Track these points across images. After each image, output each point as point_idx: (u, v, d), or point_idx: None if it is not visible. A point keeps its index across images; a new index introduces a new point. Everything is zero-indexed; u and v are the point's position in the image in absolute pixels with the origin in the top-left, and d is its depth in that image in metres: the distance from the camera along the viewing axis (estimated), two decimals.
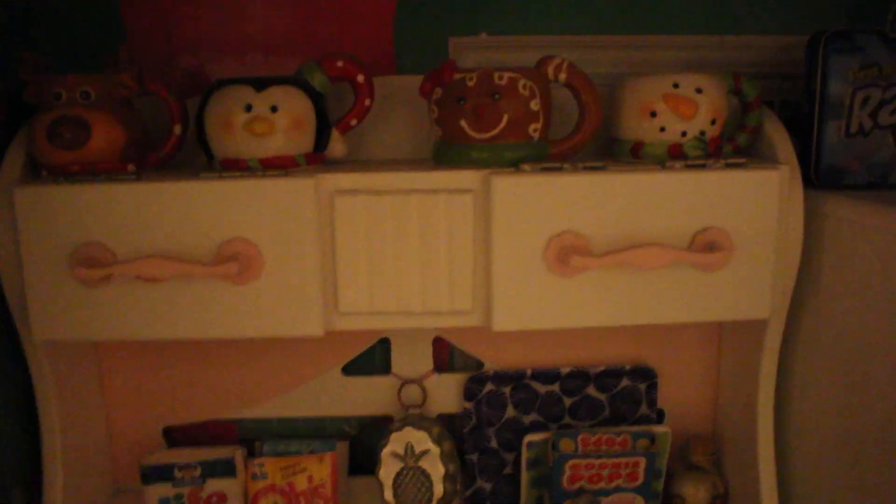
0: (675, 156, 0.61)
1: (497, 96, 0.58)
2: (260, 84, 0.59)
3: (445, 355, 0.74)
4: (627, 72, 0.66)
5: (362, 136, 0.69)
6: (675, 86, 0.59)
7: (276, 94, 0.58)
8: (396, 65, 0.70)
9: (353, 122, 0.63)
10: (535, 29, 0.71)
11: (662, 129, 0.60)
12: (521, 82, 0.58)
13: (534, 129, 0.60)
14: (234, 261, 0.56)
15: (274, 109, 0.57)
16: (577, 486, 0.68)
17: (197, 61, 0.71)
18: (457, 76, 0.59)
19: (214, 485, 0.68)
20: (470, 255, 0.58)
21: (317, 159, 0.61)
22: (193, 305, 0.58)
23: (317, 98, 0.60)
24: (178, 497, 0.67)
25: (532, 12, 0.71)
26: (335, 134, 0.62)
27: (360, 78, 0.61)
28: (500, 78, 0.58)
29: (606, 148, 0.67)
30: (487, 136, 0.58)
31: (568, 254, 0.56)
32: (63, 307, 0.58)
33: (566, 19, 0.71)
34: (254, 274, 0.57)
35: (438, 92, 0.60)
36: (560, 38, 0.71)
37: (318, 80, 0.61)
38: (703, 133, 0.60)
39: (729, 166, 0.59)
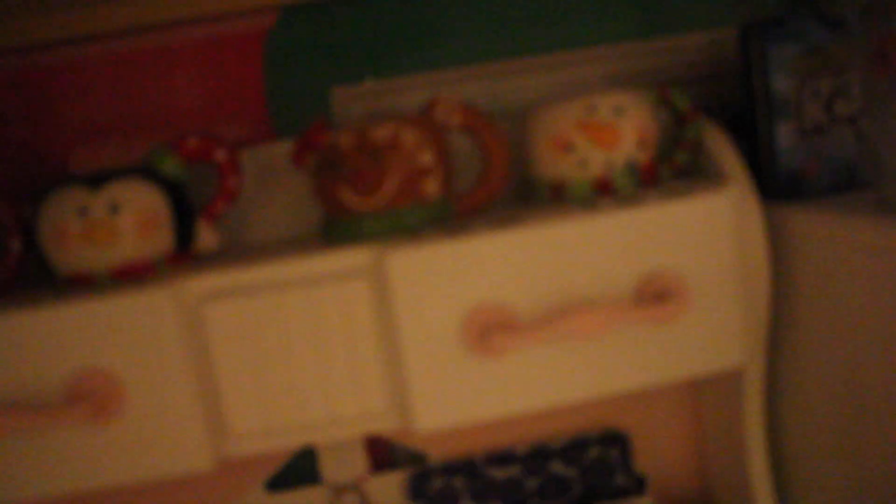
0: (603, 192, 0.51)
1: (377, 155, 0.49)
2: (95, 181, 0.48)
3: (382, 451, 0.63)
4: (543, 99, 0.58)
5: (242, 217, 0.59)
6: (590, 110, 0.50)
7: (116, 191, 0.48)
8: (275, 129, 0.59)
9: (222, 206, 0.52)
10: (430, 63, 0.60)
11: (583, 164, 0.50)
12: (405, 134, 0.49)
13: (430, 186, 0.50)
14: (86, 401, 0.46)
15: (114, 210, 0.47)
16: None
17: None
18: (329, 138, 0.49)
19: None
20: (373, 347, 0.48)
21: (183, 258, 0.51)
22: (45, 458, 0.48)
23: (171, 187, 0.50)
24: None
25: (425, 46, 0.60)
26: (202, 224, 0.52)
27: (220, 155, 0.51)
28: (379, 132, 0.49)
29: (523, 193, 0.57)
30: (373, 203, 0.49)
31: (489, 331, 0.48)
32: None
33: (467, 48, 0.60)
34: (115, 410, 0.46)
35: (313, 159, 0.51)
36: (461, 71, 0.60)
37: (170, 166, 0.50)
38: (630, 161, 0.50)
39: (666, 195, 0.49)
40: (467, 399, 0.48)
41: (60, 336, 0.46)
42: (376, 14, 0.59)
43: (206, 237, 0.52)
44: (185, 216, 0.51)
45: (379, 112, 0.59)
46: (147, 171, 0.50)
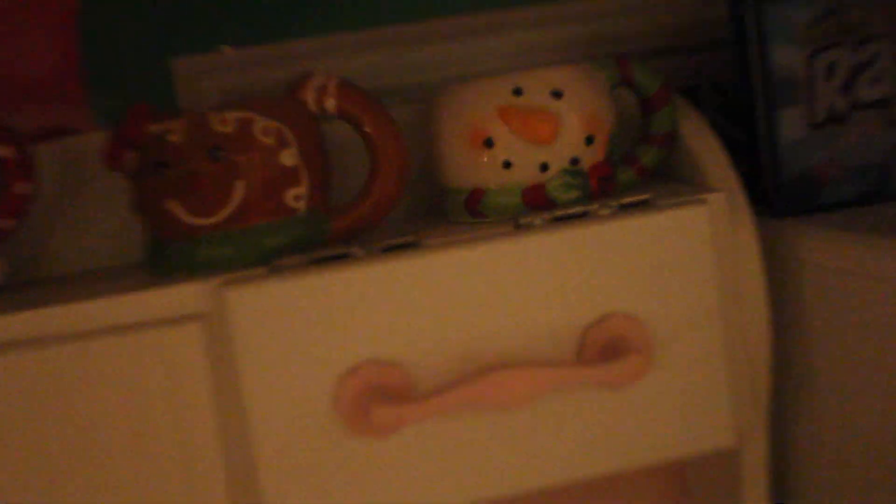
0: (535, 205, 0.43)
1: (220, 153, 0.40)
2: None
3: None
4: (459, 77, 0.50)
5: (38, 238, 0.50)
6: (517, 92, 0.42)
7: None
8: (94, 115, 0.51)
9: (8, 223, 0.43)
10: (311, 26, 0.53)
11: (508, 165, 0.43)
12: (260, 124, 0.40)
13: (295, 196, 0.41)
14: None
15: None
16: None
17: None
18: (153, 129, 0.41)
19: None
20: (210, 420, 0.39)
21: None
22: None
23: None
24: None
25: (304, 1, 0.54)
26: None
27: (7, 153, 0.42)
28: (223, 122, 0.40)
29: (435, 202, 0.50)
30: (214, 220, 0.40)
31: (372, 400, 0.40)
32: None
33: (359, 5, 0.53)
34: None
35: (132, 158, 0.42)
36: (345, 38, 0.53)
37: None
38: (575, 161, 0.43)
39: (624, 209, 0.42)
40: (343, 496, 0.40)
41: None
42: None
43: None
44: None
45: (239, 93, 0.51)
46: None
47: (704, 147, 0.47)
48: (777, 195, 0.48)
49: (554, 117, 0.42)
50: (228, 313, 0.39)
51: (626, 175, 0.47)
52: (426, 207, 0.52)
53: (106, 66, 0.52)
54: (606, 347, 0.41)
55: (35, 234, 0.50)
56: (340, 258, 0.41)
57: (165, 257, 0.42)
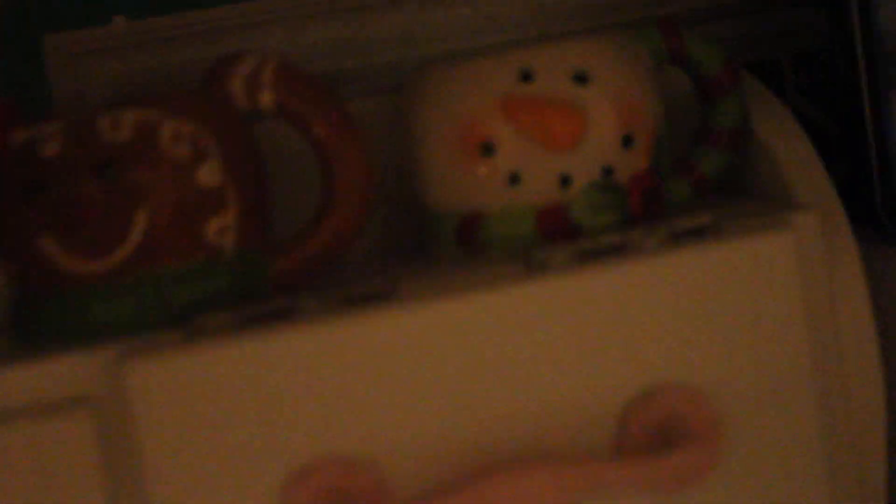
0: (554, 234, 0.43)
1: (113, 170, 0.40)
2: None
3: None
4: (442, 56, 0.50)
5: None
6: (526, 76, 0.41)
7: None
8: None
9: None
10: None
11: (515, 180, 0.41)
12: (169, 128, 0.40)
13: (218, 229, 0.40)
14: None
15: None
16: None
17: None
18: (19, 137, 0.40)
19: None
20: None
21: None
22: None
23: None
24: None
25: None
26: None
27: None
28: (116, 126, 0.39)
29: (414, 230, 0.50)
30: (107, 264, 0.39)
31: None
32: None
33: None
34: None
35: None
36: (284, 4, 0.52)
37: None
38: (608, 171, 0.42)
39: (678, 238, 0.41)
40: None
41: None
42: None
43: None
44: None
45: (138, 83, 0.51)
46: None
47: (789, 147, 0.46)
48: (891, 213, 0.49)
49: (578, 111, 0.41)
50: (129, 395, 0.37)
51: (680, 189, 0.45)
52: (402, 237, 0.51)
53: None
54: (657, 432, 0.40)
55: None
56: (284, 315, 0.40)
57: (39, 317, 0.41)
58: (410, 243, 0.51)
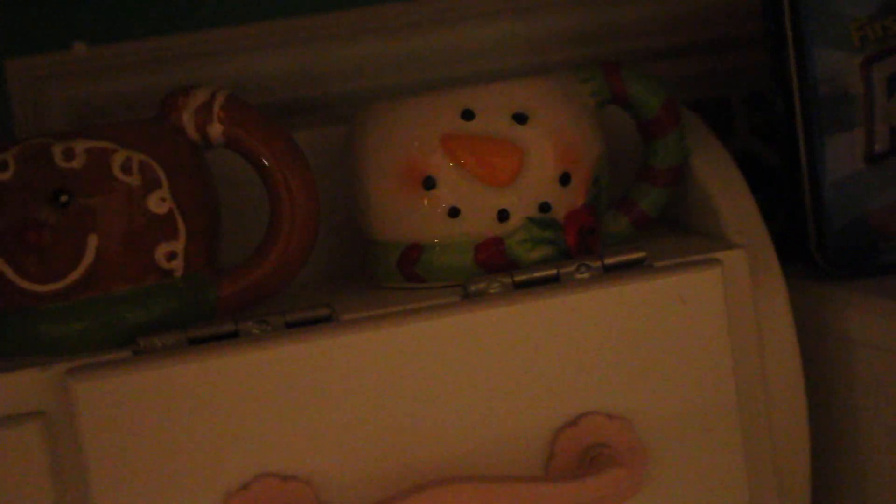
0: (491, 266, 0.43)
1: (66, 197, 0.40)
2: None
3: None
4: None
5: None
6: (467, 115, 0.42)
7: None
8: None
9: None
10: (192, 18, 0.54)
11: (455, 213, 0.42)
12: (120, 157, 0.39)
13: (167, 254, 0.40)
14: None
15: None
16: None
17: None
18: None
19: None
20: None
21: None
22: None
23: None
24: None
25: None
26: None
27: None
28: (70, 154, 0.39)
29: (357, 258, 0.50)
30: (59, 287, 0.40)
31: None
32: None
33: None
34: None
35: None
36: (237, 33, 0.54)
37: None
38: (545, 207, 0.42)
39: (610, 271, 0.41)
40: None
41: None
42: None
43: None
44: None
45: (96, 109, 0.52)
46: None
47: (724, 186, 0.46)
48: (822, 251, 0.49)
49: (516, 149, 0.41)
50: (77, 411, 0.38)
51: (619, 225, 0.46)
52: (344, 266, 0.52)
53: None
54: (583, 457, 0.40)
55: None
56: (229, 337, 0.40)
57: None
58: (352, 269, 0.51)
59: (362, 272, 0.49)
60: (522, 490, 0.39)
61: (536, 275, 0.41)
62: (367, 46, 0.54)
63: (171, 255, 0.40)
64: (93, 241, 0.39)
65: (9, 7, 0.52)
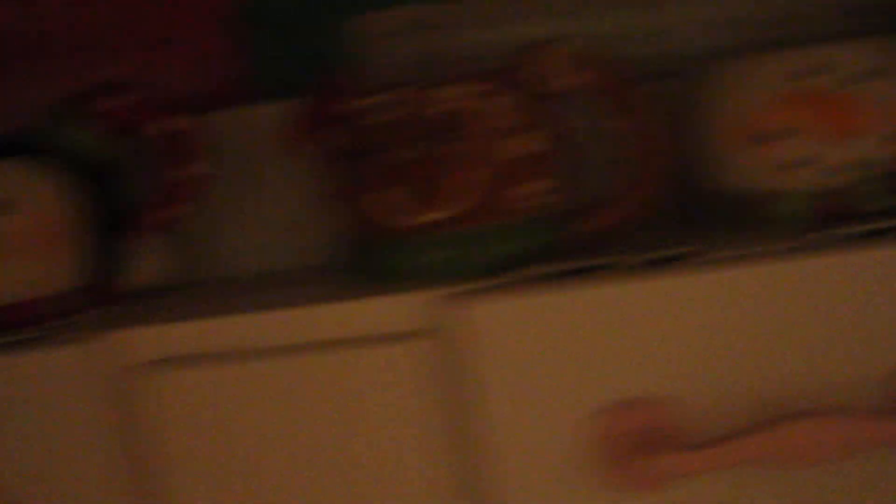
0: (831, 214, 0.47)
1: (441, 137, 0.45)
2: None
3: None
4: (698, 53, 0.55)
5: (204, 231, 0.59)
6: (814, 73, 0.45)
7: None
8: (253, 86, 0.60)
9: (174, 211, 0.51)
10: None
11: (798, 165, 0.46)
12: (491, 103, 0.45)
13: (535, 192, 0.45)
14: None
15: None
16: None
17: None
18: (357, 105, 0.45)
19: None
20: (428, 462, 0.44)
21: (103, 295, 0.51)
22: None
23: (83, 175, 0.50)
24: None
25: None
26: (138, 240, 0.52)
27: (174, 123, 0.50)
28: (442, 99, 0.45)
29: (681, 211, 0.56)
30: (438, 218, 0.45)
31: (637, 447, 0.42)
32: None
33: None
34: None
35: (328, 139, 0.47)
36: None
37: (83, 139, 0.51)
38: (875, 163, 0.46)
39: None
40: None
41: None
42: None
43: (147, 261, 0.54)
44: (107, 225, 0.52)
45: (428, 63, 0.57)
46: (44, 146, 0.49)
47: None
48: None
49: (859, 106, 0.45)
50: (460, 334, 0.42)
51: None
52: (676, 212, 0.56)
53: (263, 18, 0.58)
54: None
55: (201, 225, 0.58)
56: (599, 271, 0.44)
57: (373, 260, 0.46)
58: (688, 218, 0.56)
59: (689, 218, 0.54)
60: (882, 426, 0.42)
61: (881, 224, 0.44)
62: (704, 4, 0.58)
63: (542, 193, 0.45)
64: (471, 178, 0.44)
65: None
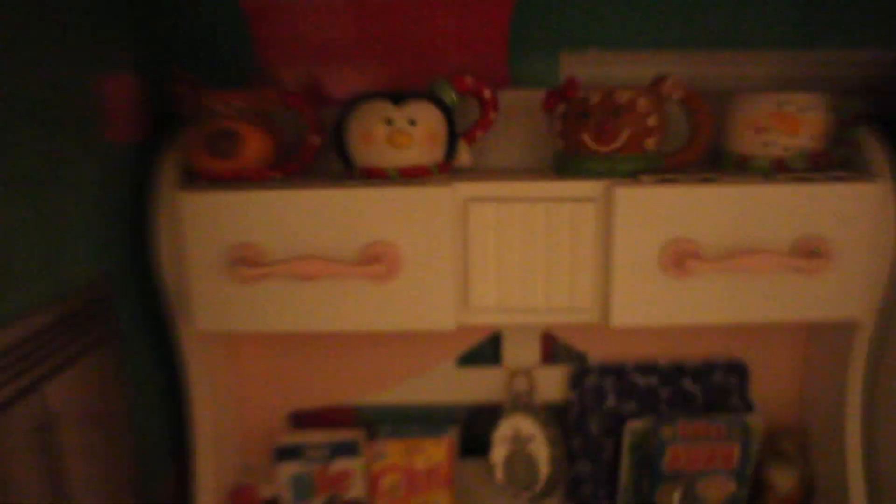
0: (777, 169, 0.86)
1: (618, 112, 0.84)
2: (398, 99, 0.85)
3: (550, 347, 1.06)
4: (728, 88, 0.95)
5: (483, 146, 0.98)
6: (780, 105, 0.86)
7: (414, 108, 0.85)
8: (510, 79, 0.99)
9: (479, 133, 0.90)
10: (637, 43, 0.98)
11: (767, 145, 0.87)
12: (641, 100, 0.84)
13: (650, 143, 0.85)
14: (380, 262, 0.83)
15: (412, 123, 0.84)
16: (675, 469, 0.98)
17: (317, 72, 0.99)
18: (579, 93, 0.86)
19: (339, 464, 1.00)
20: (590, 258, 0.85)
21: (446, 168, 0.89)
22: (339, 302, 0.84)
23: (448, 112, 0.88)
24: (308, 474, 0.98)
25: (635, 26, 0.98)
26: (463, 145, 0.90)
27: (487, 94, 0.89)
28: (622, 96, 0.84)
29: (711, 160, 0.94)
30: (608, 149, 0.85)
31: (682, 258, 0.82)
32: (223, 301, 0.85)
33: (666, 33, 0.98)
34: (394, 273, 0.84)
35: (561, 107, 0.87)
36: (664, 55, 0.98)
37: (448, 96, 0.88)
38: (803, 148, 0.86)
39: (830, 179, 0.84)
40: (653, 307, 0.85)
41: (362, 211, 0.84)
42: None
43: (465, 156, 0.91)
44: (452, 136, 0.89)
45: (597, 78, 0.96)
46: (433, 97, 0.87)
47: (874, 153, 0.88)
48: None
49: (798, 121, 0.86)
50: (613, 201, 0.83)
51: (826, 163, 0.89)
52: (702, 162, 0.94)
53: (520, 44, 0.97)
54: (805, 252, 0.84)
55: (485, 141, 0.98)
56: (672, 181, 0.84)
57: (571, 165, 0.87)
58: (712, 164, 0.95)
59: (713, 165, 0.94)
60: (784, 257, 0.84)
61: (800, 175, 0.85)
62: (718, 68, 1.00)
63: (651, 144, 0.86)
64: (625, 133, 0.85)
65: (563, 18, 0.98)
